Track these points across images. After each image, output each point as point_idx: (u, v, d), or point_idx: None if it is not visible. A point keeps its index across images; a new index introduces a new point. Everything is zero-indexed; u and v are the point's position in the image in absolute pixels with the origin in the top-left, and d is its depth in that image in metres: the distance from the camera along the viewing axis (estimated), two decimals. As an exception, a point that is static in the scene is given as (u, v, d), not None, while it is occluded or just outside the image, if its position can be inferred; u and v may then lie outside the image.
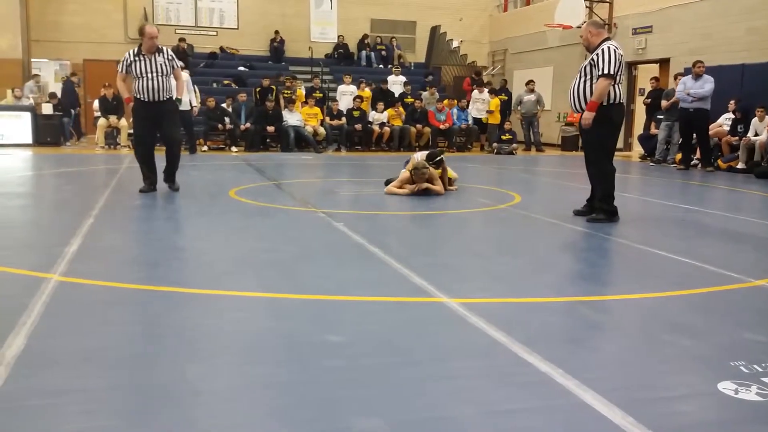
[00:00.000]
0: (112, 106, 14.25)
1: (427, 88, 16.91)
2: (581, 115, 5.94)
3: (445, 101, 16.02)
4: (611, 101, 5.80)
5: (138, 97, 7.06)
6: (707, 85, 11.33)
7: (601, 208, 5.97)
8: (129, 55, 7.10)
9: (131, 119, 7.88)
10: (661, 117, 12.83)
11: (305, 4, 20.02)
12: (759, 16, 12.67)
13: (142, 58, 7.04)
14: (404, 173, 7.57)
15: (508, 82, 18.81)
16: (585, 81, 5.86)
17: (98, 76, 15.91)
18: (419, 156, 8.02)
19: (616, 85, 5.79)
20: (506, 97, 17.29)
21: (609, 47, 5.76)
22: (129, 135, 14.30)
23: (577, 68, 6.11)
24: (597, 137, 5.92)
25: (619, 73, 5.77)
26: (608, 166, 5.99)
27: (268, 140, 14.76)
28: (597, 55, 5.76)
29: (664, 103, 12.48)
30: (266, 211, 6.39)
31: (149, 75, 7.02)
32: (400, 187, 7.49)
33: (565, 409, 2.21)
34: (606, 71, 5.67)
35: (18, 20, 16.76)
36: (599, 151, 6.00)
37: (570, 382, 2.40)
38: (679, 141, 12.25)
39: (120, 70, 7.20)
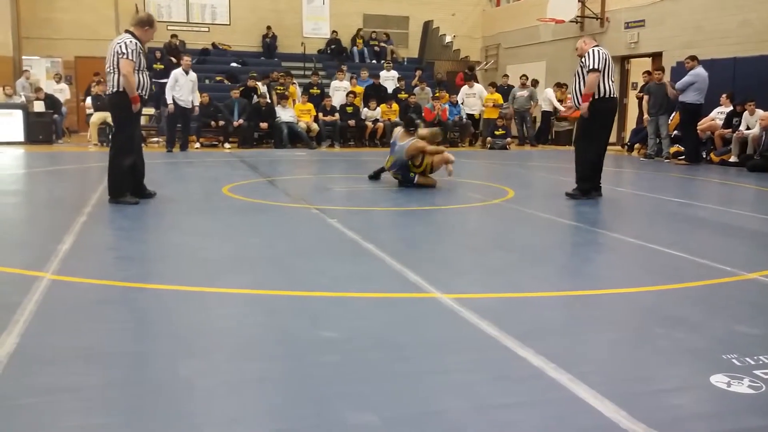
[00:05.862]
0: (105, 103, 14.16)
1: (418, 83, 16.82)
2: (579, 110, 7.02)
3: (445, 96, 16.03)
4: (601, 95, 6.74)
5: (141, 94, 6.26)
6: (685, 77, 11.42)
7: (578, 187, 6.96)
8: (134, 43, 6.12)
9: (120, 118, 6.35)
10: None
11: (297, 0, 19.96)
12: (751, 9, 12.70)
13: (142, 50, 6.26)
14: (422, 142, 7.61)
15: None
16: (578, 81, 6.92)
17: (90, 73, 15.79)
18: (399, 131, 7.96)
19: (605, 82, 6.74)
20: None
21: (592, 49, 6.82)
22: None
23: (570, 62, 6.69)
24: (587, 127, 6.93)
25: (607, 70, 6.77)
26: (591, 154, 6.89)
27: (255, 139, 14.60)
28: (584, 58, 6.85)
29: (645, 98, 12.61)
30: (260, 208, 6.38)
31: (146, 70, 6.37)
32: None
33: (558, 403, 2.22)
34: (591, 66, 6.73)
35: (8, 17, 16.68)
36: (586, 139, 7.00)
37: (563, 376, 2.41)
38: (668, 135, 12.33)
39: (131, 58, 6.05)
